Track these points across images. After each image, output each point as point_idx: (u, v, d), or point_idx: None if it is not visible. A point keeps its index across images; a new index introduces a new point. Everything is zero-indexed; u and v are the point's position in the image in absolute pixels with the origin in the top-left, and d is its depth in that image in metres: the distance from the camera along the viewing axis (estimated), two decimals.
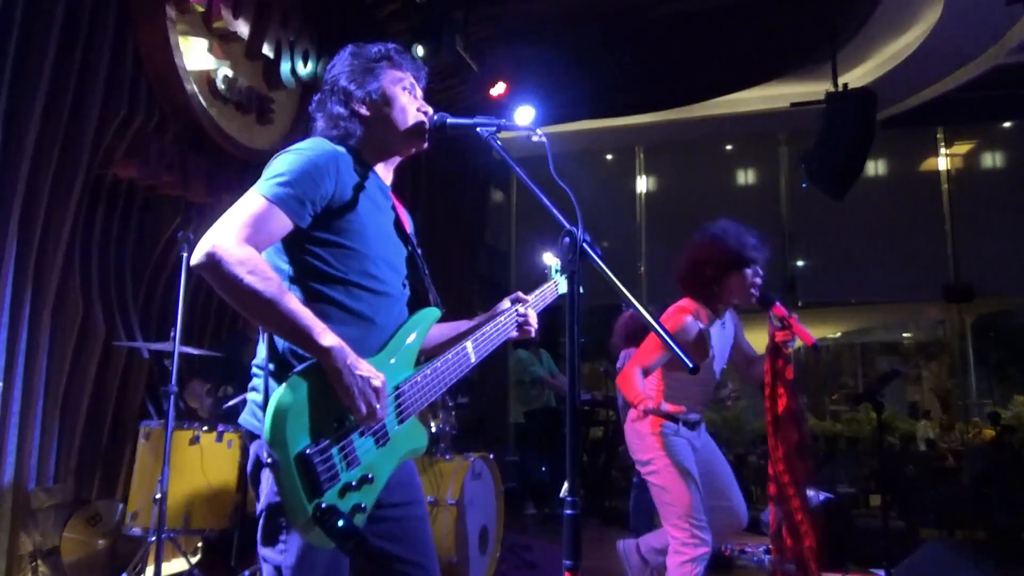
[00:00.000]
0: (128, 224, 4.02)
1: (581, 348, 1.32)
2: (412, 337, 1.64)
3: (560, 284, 2.11)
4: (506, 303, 1.91)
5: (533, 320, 1.90)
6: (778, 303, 2.75)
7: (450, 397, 4.25)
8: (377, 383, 1.44)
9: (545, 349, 6.99)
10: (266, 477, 1.47)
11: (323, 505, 1.34)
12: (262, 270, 1.40)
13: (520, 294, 1.94)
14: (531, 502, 7.14)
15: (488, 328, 1.79)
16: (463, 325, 1.87)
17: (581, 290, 2.11)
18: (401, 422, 1.55)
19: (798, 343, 2.72)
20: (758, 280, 2.84)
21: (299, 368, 1.43)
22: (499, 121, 1.67)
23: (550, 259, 2.16)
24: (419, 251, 1.78)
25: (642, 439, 2.88)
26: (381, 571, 1.58)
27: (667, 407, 2.69)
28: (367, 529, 1.45)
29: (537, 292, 2.00)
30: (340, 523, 1.34)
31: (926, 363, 9.45)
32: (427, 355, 1.70)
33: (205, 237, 1.41)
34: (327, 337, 1.41)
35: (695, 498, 2.71)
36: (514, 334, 1.88)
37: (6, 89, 3.29)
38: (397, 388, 1.56)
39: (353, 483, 1.41)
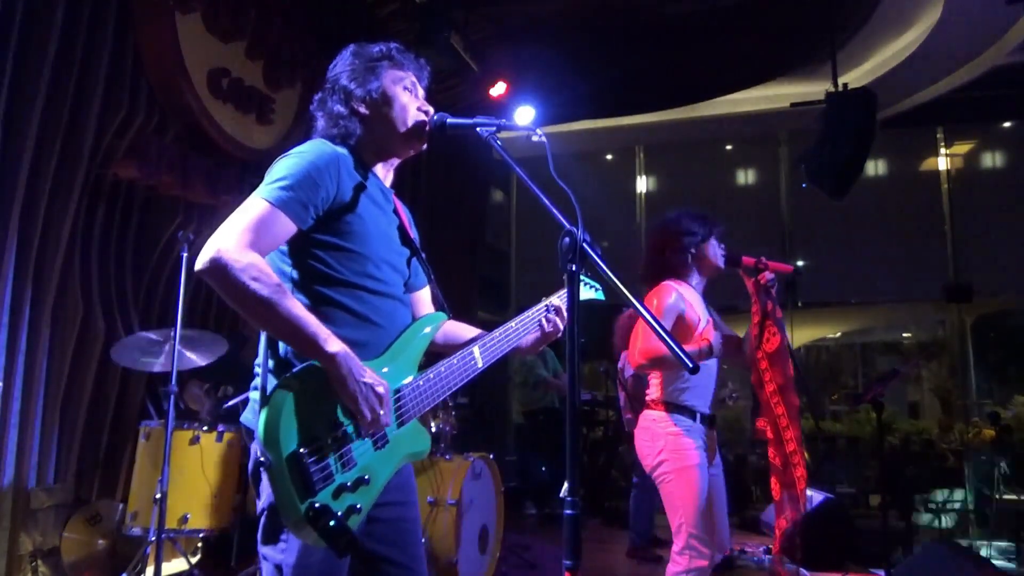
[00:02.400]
0: (128, 224, 4.02)
1: (581, 348, 1.31)
2: (416, 340, 1.64)
3: (587, 291, 2.07)
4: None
5: (563, 315, 1.85)
6: (744, 255, 2.85)
7: (450, 397, 4.25)
8: (380, 390, 1.45)
9: (551, 348, 6.99)
10: (266, 476, 1.47)
11: (316, 505, 1.34)
12: (266, 275, 1.40)
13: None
14: (531, 502, 7.14)
15: (497, 334, 1.78)
16: (476, 331, 1.83)
17: (603, 296, 2.12)
18: (401, 425, 1.55)
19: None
20: (723, 245, 2.91)
21: (297, 369, 1.43)
22: (499, 121, 1.66)
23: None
24: (423, 255, 1.78)
25: (654, 441, 2.70)
26: (369, 572, 1.58)
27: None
28: (360, 529, 1.45)
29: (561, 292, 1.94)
30: (332, 523, 1.33)
31: (926, 363, 9.44)
32: (438, 357, 1.69)
33: (209, 243, 1.41)
34: (332, 343, 1.41)
35: (700, 508, 2.59)
36: (532, 336, 1.83)
37: (6, 89, 3.29)
38: (398, 391, 1.55)
39: (349, 484, 1.41)
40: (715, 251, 2.88)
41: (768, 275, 2.78)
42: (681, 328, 2.73)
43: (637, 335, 2.74)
